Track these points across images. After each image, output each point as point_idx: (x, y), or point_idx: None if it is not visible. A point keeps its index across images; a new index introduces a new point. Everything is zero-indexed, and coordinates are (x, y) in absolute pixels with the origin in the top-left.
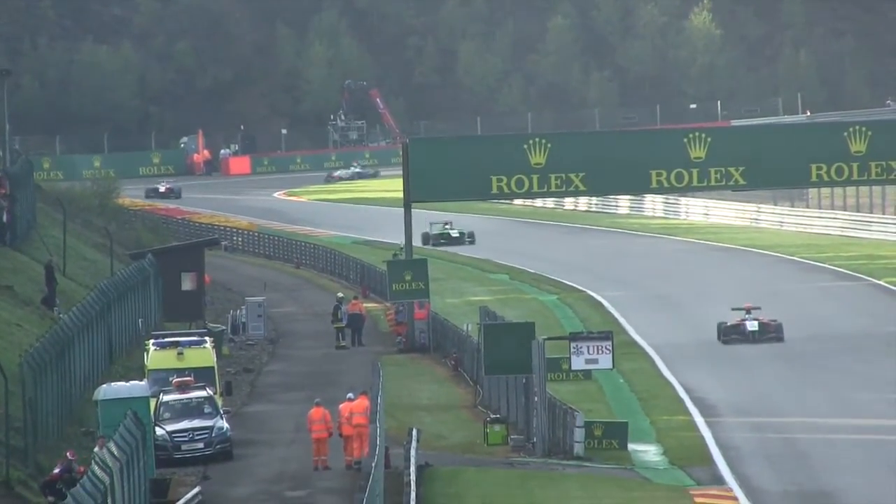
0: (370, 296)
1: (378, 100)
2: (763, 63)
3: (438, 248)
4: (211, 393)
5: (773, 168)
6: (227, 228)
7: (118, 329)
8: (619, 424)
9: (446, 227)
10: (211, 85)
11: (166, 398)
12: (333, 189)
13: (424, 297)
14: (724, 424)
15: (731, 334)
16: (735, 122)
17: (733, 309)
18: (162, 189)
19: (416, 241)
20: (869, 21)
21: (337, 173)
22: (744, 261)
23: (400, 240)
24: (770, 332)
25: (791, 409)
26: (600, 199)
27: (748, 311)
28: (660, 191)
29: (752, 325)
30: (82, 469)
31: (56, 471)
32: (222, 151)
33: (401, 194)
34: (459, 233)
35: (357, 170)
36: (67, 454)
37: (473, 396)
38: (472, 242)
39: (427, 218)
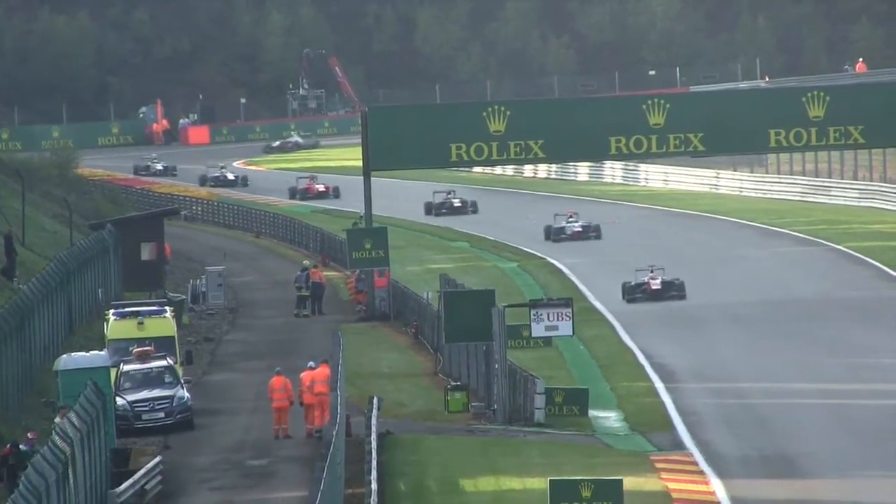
0: (330, 264)
1: (337, 68)
2: (721, 29)
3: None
4: (171, 362)
5: (732, 134)
6: (187, 198)
7: (78, 299)
8: (580, 391)
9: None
10: (169, 54)
11: (126, 368)
12: (291, 158)
13: (384, 265)
14: (685, 390)
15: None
16: (694, 89)
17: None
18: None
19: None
20: None
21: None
22: (704, 226)
23: (360, 208)
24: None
25: (751, 375)
26: (559, 166)
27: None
28: (619, 157)
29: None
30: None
31: (8, 446)
32: (181, 121)
33: (359, 162)
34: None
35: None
36: (28, 434)
37: (434, 364)
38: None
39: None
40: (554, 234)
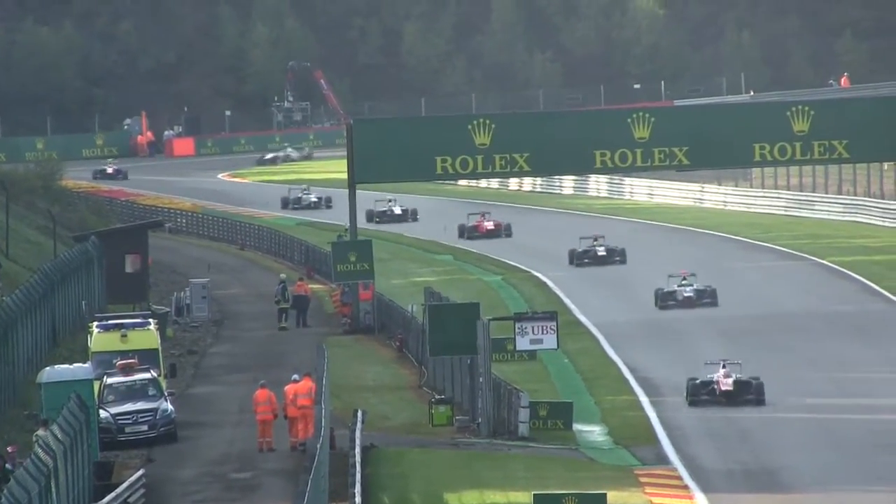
0: (315, 277)
1: (322, 81)
2: (706, 43)
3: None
4: (155, 375)
5: (717, 148)
6: (171, 210)
7: (62, 311)
8: (564, 405)
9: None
10: (154, 66)
11: (110, 381)
12: (276, 170)
13: (369, 277)
14: (669, 404)
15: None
16: (679, 102)
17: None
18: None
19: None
20: (812, 0)
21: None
22: (688, 240)
23: (345, 221)
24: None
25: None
26: (545, 179)
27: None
28: (604, 171)
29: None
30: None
31: None
32: (166, 133)
33: (345, 175)
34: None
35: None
36: (8, 448)
37: (418, 377)
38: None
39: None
40: (661, 300)
